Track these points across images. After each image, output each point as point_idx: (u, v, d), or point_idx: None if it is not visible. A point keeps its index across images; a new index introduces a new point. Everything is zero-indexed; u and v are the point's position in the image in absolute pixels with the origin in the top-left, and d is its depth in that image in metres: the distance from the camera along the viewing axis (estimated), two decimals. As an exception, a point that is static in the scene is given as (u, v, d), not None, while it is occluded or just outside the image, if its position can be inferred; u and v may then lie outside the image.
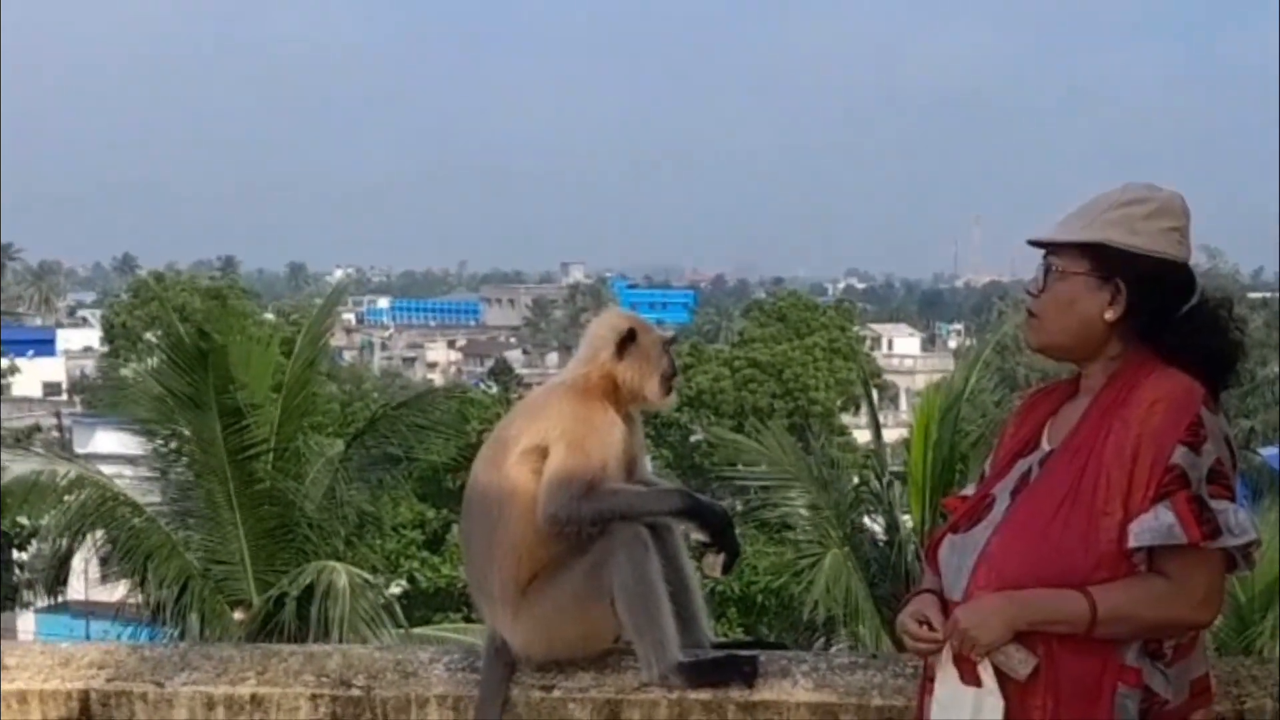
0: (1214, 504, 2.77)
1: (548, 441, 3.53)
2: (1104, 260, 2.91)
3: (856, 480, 17.59)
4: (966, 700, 2.83)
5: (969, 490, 3.25)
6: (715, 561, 3.61)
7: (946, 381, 16.21)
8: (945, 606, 2.94)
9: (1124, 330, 2.93)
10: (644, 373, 3.68)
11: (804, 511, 15.27)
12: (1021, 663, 2.80)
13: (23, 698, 3.62)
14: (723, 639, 3.99)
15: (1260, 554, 2.89)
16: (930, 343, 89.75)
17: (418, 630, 14.09)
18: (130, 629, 14.00)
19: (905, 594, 3.13)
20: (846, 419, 43.18)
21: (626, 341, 3.67)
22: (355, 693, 3.59)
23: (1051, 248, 2.99)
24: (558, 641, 3.55)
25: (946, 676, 2.88)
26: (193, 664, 3.70)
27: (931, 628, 2.92)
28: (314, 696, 3.59)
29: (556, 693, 3.53)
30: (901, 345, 79.13)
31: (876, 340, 70.90)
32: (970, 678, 2.84)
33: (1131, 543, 2.76)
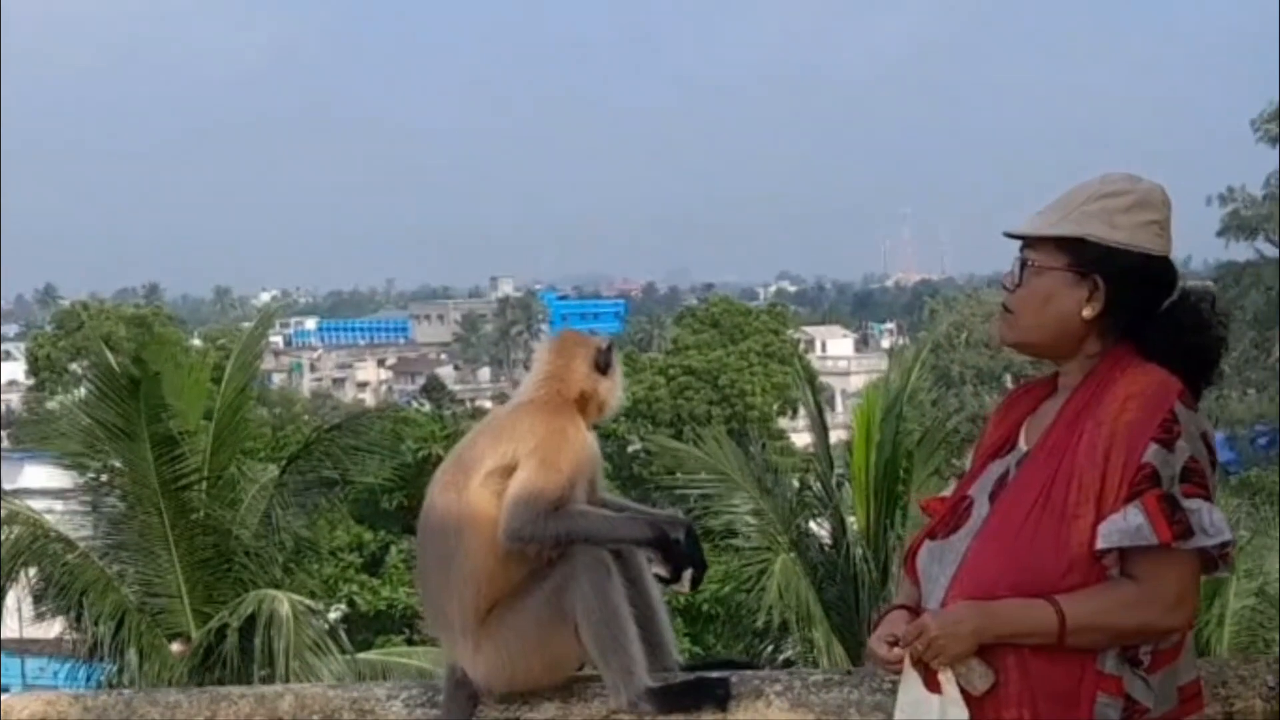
0: (1187, 503, 2.67)
1: (517, 459, 3.40)
2: (1082, 255, 2.81)
3: (797, 484, 17.56)
4: (932, 705, 2.74)
5: (948, 491, 3.15)
6: (685, 576, 3.50)
7: (884, 381, 16.18)
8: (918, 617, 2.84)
9: (1102, 327, 2.83)
10: (617, 386, 3.64)
11: (749, 518, 15.19)
12: (981, 678, 2.71)
13: (-43, 758, 3.43)
14: (689, 659, 3.88)
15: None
16: (864, 343, 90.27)
17: (363, 655, 13.87)
18: (65, 667, 13.72)
19: (852, 597, 3.05)
20: (783, 423, 43.28)
21: (607, 357, 3.61)
22: (311, 735, 3.43)
23: (1027, 241, 2.89)
24: (520, 671, 3.40)
25: (910, 682, 2.79)
26: (138, 712, 3.52)
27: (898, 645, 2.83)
28: (268, 742, 3.43)
29: (522, 725, 3.38)
30: (835, 347, 79.55)
31: (810, 343, 71.15)
32: (932, 685, 2.75)
33: (1100, 544, 2.67)
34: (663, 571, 3.50)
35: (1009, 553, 2.75)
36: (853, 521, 14.70)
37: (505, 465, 3.41)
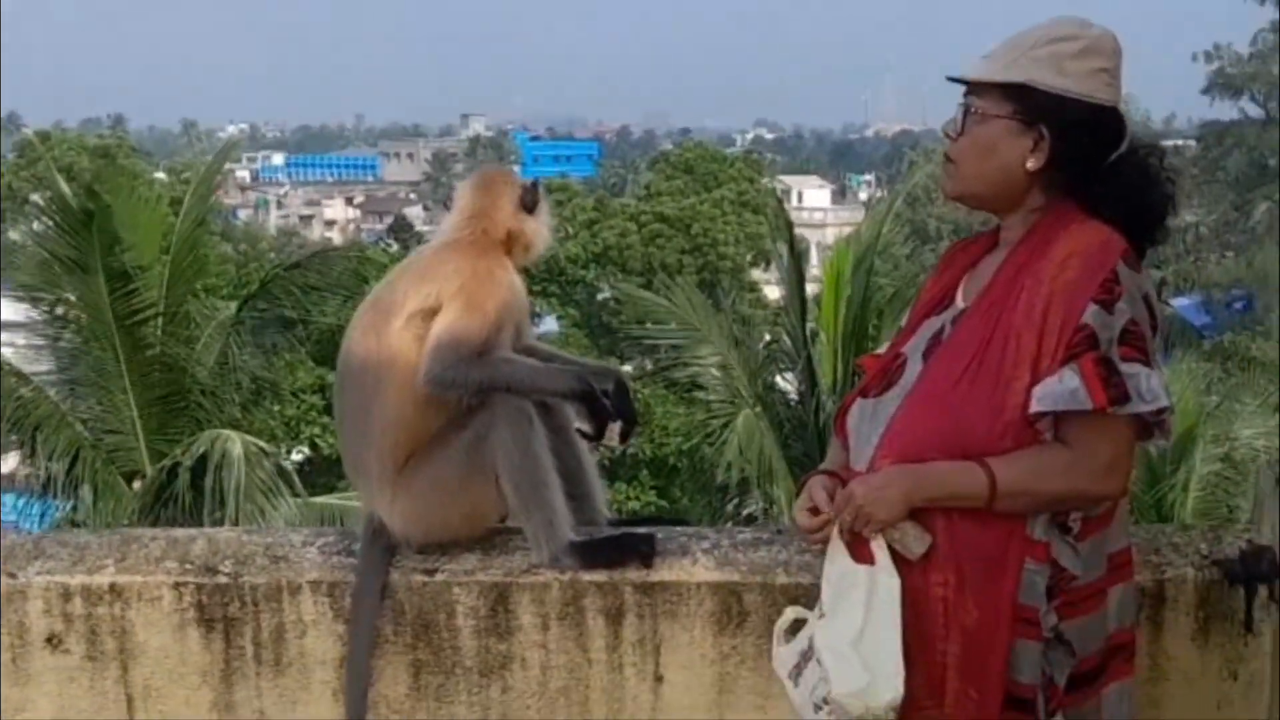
0: (1124, 367, 2.56)
1: (441, 301, 3.26)
2: (1028, 103, 2.66)
3: (767, 338, 17.45)
4: (860, 579, 2.64)
5: (884, 349, 3.04)
6: (613, 429, 3.38)
7: (856, 234, 15.99)
8: (845, 481, 2.75)
9: (1047, 180, 2.70)
10: (545, 227, 3.49)
11: (715, 371, 15.11)
12: (917, 540, 2.62)
13: None
14: (634, 507, 3.78)
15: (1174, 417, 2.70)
16: (841, 195, 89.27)
17: (319, 499, 13.86)
18: (21, 502, 13.72)
19: (818, 453, 2.96)
20: (756, 274, 42.97)
21: (533, 195, 3.45)
22: (222, 579, 3.33)
23: (972, 86, 2.73)
24: (439, 522, 3.30)
25: (837, 554, 2.70)
26: (47, 552, 3.42)
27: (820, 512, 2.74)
28: (177, 584, 3.33)
29: (440, 576, 3.29)
30: (812, 198, 78.47)
31: (786, 192, 70.43)
32: (863, 555, 2.66)
33: (1033, 407, 2.57)
34: (585, 428, 3.38)
35: (940, 414, 2.65)
36: (822, 377, 14.65)
37: (428, 308, 3.27)
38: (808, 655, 2.69)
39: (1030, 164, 2.68)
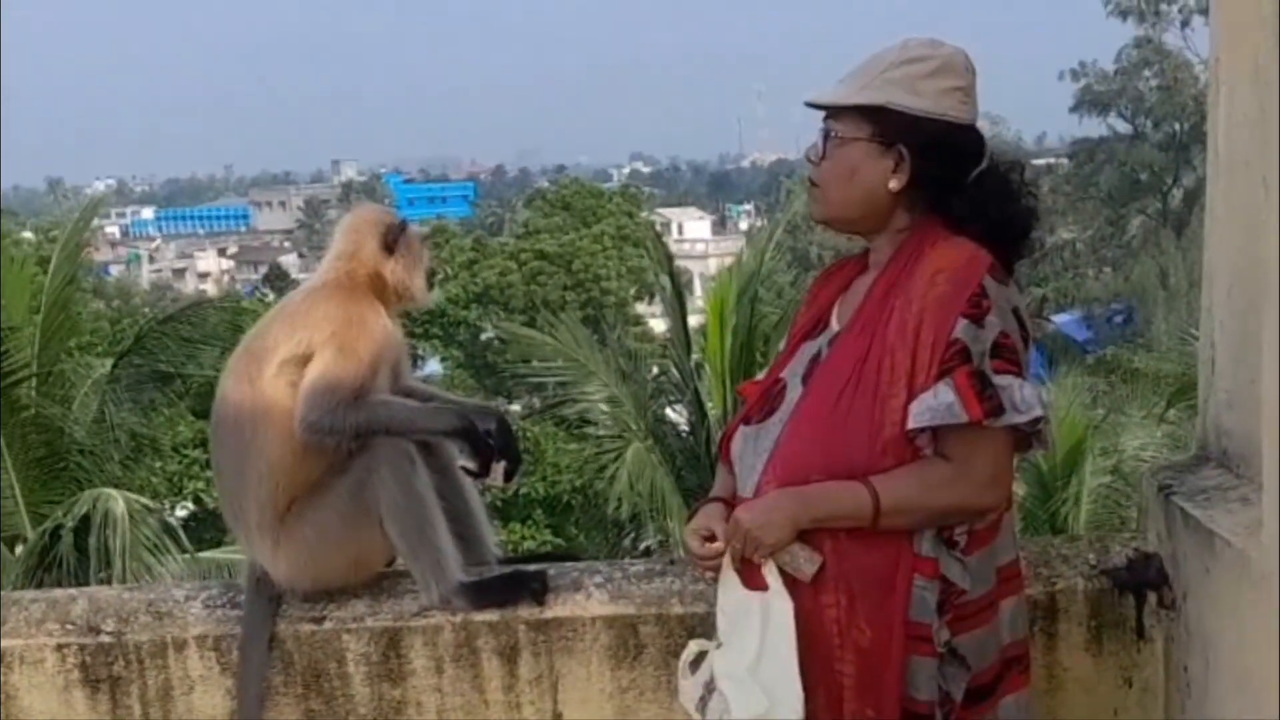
0: (997, 379, 2.58)
1: (313, 348, 3.20)
2: (886, 125, 2.69)
3: (655, 370, 17.48)
4: (753, 606, 2.64)
5: (763, 375, 3.04)
6: (497, 469, 3.34)
7: (738, 264, 16.11)
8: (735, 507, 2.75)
9: (910, 200, 2.73)
10: (414, 268, 3.41)
11: (603, 406, 15.08)
12: (807, 561, 2.62)
13: None
14: (530, 547, 3.73)
15: (1055, 428, 2.74)
16: (721, 225, 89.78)
17: (206, 554, 13.58)
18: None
19: (711, 484, 2.96)
20: (641, 308, 43.02)
21: (395, 235, 3.37)
22: (105, 639, 3.26)
23: (831, 111, 2.75)
24: (325, 569, 3.24)
25: (729, 584, 2.70)
26: (-79, 622, 3.32)
27: (716, 539, 2.74)
28: (60, 646, 3.26)
29: (328, 624, 3.23)
30: (692, 229, 78.80)
31: (666, 225, 70.61)
32: (755, 582, 2.66)
33: (911, 424, 2.58)
34: (470, 465, 3.33)
35: (822, 435, 2.66)
36: (711, 407, 14.69)
37: (300, 354, 3.21)
38: (710, 686, 2.69)
39: (892, 184, 2.71)
